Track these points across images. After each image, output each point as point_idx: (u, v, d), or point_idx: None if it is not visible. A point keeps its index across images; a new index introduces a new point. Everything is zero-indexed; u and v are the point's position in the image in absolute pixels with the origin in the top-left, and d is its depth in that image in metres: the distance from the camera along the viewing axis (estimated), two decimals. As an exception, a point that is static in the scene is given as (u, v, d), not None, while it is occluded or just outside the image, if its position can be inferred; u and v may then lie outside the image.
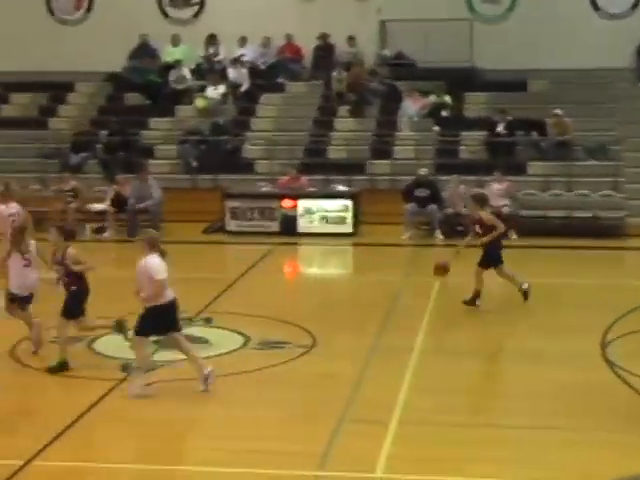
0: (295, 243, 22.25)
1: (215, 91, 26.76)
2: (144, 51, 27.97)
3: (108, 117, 26.73)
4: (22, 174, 24.99)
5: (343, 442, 10.13)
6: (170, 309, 11.59)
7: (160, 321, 11.53)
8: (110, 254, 21.76)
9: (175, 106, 27.17)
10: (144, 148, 25.91)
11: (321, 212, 22.67)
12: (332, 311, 16.06)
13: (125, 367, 12.46)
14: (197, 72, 27.73)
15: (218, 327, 14.64)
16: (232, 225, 22.87)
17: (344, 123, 26.44)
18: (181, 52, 27.79)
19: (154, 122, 26.84)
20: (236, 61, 27.45)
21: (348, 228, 22.48)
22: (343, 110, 26.77)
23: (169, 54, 27.87)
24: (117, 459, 9.66)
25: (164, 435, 10.40)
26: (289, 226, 22.56)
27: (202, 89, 27.05)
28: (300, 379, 12.24)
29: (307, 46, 27.86)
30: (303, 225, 22.67)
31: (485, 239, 15.50)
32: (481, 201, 15.90)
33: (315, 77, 27.81)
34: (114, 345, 13.42)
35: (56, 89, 28.13)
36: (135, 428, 10.54)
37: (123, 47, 27.48)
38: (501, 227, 15.53)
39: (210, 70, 27.59)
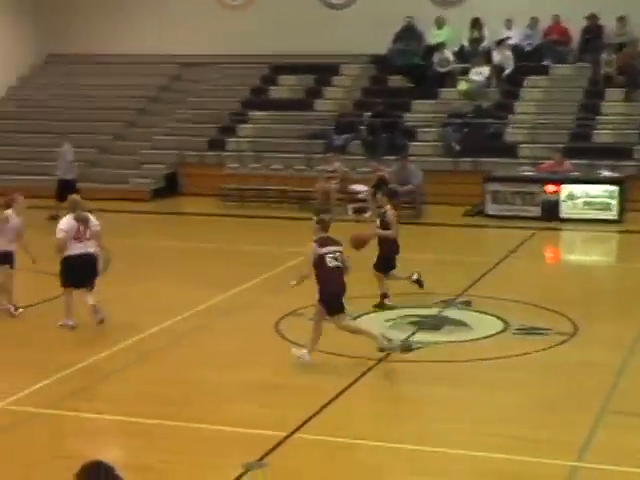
0: (557, 228, 21.82)
1: (479, 74, 26.57)
2: (409, 34, 28.08)
3: (372, 99, 27.05)
4: (288, 154, 25.78)
5: (604, 434, 9.84)
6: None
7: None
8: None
9: (438, 89, 27.17)
10: (407, 130, 26.08)
11: (585, 197, 22.13)
12: (595, 299, 15.67)
13: (381, 348, 12.52)
14: (460, 55, 27.62)
15: (477, 311, 14.57)
16: (492, 209, 22.68)
17: (612, 107, 25.64)
18: (445, 34, 27.75)
19: (417, 104, 26.95)
20: (501, 43, 27.12)
21: (613, 215, 21.86)
22: (611, 93, 25.96)
23: (434, 36, 27.88)
24: (372, 437, 9.77)
25: (420, 415, 10.45)
26: (551, 211, 22.16)
27: (465, 72, 26.92)
28: (560, 367, 11.99)
29: (575, 27, 27.14)
30: (565, 210, 22.21)
31: (379, 233, 14.74)
32: (390, 196, 15.30)
33: (582, 59, 27.08)
34: (374, 324, 13.59)
35: (322, 71, 28.69)
36: (392, 407, 10.64)
37: (388, 30, 27.67)
38: (393, 233, 14.73)
39: (474, 53, 27.40)
